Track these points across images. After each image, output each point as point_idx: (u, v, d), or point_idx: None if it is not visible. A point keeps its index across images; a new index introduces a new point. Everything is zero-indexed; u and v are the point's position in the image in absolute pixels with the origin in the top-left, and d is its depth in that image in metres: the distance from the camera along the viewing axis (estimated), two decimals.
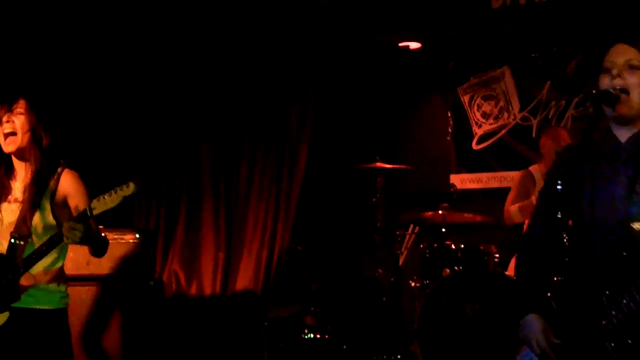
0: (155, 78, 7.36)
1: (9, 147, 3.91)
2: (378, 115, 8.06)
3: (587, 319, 2.79)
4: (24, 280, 3.81)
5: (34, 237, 3.84)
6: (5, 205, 3.89)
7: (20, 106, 3.92)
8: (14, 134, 3.89)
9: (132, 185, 3.65)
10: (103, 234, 3.96)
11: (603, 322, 2.74)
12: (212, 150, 7.31)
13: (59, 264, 3.96)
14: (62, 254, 3.99)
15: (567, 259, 5.15)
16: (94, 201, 3.63)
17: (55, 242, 3.75)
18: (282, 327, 6.82)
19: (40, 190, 3.87)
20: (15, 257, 3.80)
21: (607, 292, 2.75)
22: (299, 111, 7.09)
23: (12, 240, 3.81)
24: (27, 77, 6.07)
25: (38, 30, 6.38)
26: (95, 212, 3.62)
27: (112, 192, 3.64)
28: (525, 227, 6.40)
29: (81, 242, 3.68)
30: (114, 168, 7.01)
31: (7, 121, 3.89)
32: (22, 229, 3.81)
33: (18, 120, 3.90)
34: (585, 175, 2.90)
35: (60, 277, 3.97)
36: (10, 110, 3.91)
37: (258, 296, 6.93)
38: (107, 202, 3.62)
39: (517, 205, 6.34)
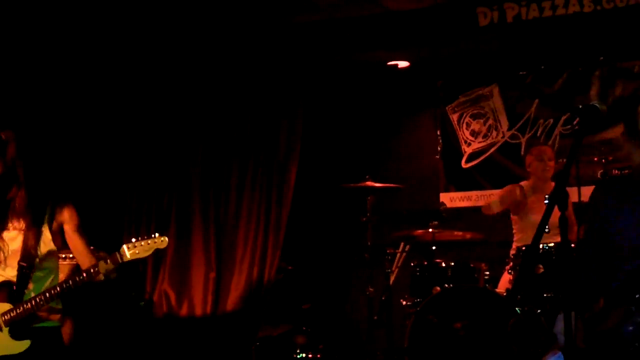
0: (145, 98, 7.39)
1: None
2: (367, 134, 8.07)
3: (617, 323, 2.86)
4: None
5: (37, 262, 3.99)
6: (6, 233, 4.01)
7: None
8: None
9: (165, 239, 3.85)
10: None
11: (630, 328, 2.84)
12: (201, 169, 7.32)
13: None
14: (57, 276, 4.14)
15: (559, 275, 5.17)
16: (124, 248, 3.79)
17: (81, 283, 3.87)
18: (273, 346, 6.80)
19: (38, 219, 4.01)
20: (26, 286, 3.96)
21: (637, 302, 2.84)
22: (288, 129, 7.11)
23: (22, 270, 3.95)
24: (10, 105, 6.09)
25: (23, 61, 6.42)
26: (125, 260, 3.80)
27: (144, 242, 3.81)
28: (514, 244, 6.43)
29: (111, 279, 3.88)
30: (104, 186, 7.02)
31: None
32: (28, 256, 3.96)
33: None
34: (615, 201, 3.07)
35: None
36: None
37: (249, 316, 6.91)
38: (138, 251, 3.81)
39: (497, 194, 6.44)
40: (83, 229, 4.09)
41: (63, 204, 4.10)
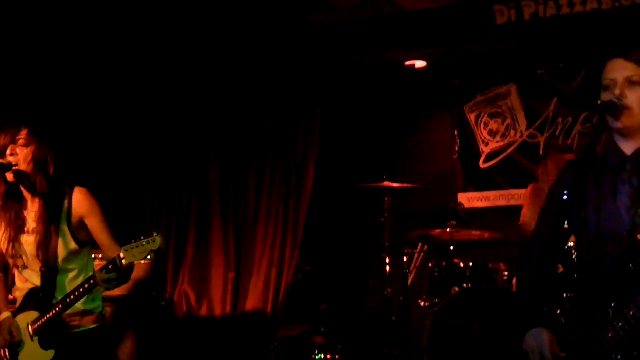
0: (164, 98, 7.42)
1: (11, 176, 3.90)
2: (384, 134, 8.07)
3: (593, 331, 2.78)
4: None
5: (60, 264, 3.89)
6: (24, 237, 3.91)
7: (23, 137, 3.89)
8: (17, 165, 3.87)
9: (158, 240, 3.67)
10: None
11: (609, 335, 2.73)
12: (220, 171, 7.34)
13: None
14: (88, 274, 3.98)
15: (575, 275, 5.14)
16: (122, 251, 3.67)
17: (93, 285, 3.78)
18: (292, 346, 6.81)
19: (54, 217, 3.88)
20: (50, 291, 3.87)
21: (613, 305, 2.75)
22: (305, 130, 7.11)
23: (45, 275, 3.86)
24: (30, 101, 6.11)
25: (39, 55, 6.43)
26: (124, 263, 3.67)
27: (140, 244, 3.66)
28: None
29: (117, 287, 3.80)
30: (123, 188, 7.05)
31: (11, 154, 3.86)
32: (49, 260, 3.86)
33: (21, 152, 3.87)
34: (591, 187, 2.89)
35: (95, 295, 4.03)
36: (14, 141, 3.88)
37: (267, 316, 6.92)
38: (135, 254, 3.66)
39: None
40: (106, 220, 3.94)
41: (79, 193, 3.94)
